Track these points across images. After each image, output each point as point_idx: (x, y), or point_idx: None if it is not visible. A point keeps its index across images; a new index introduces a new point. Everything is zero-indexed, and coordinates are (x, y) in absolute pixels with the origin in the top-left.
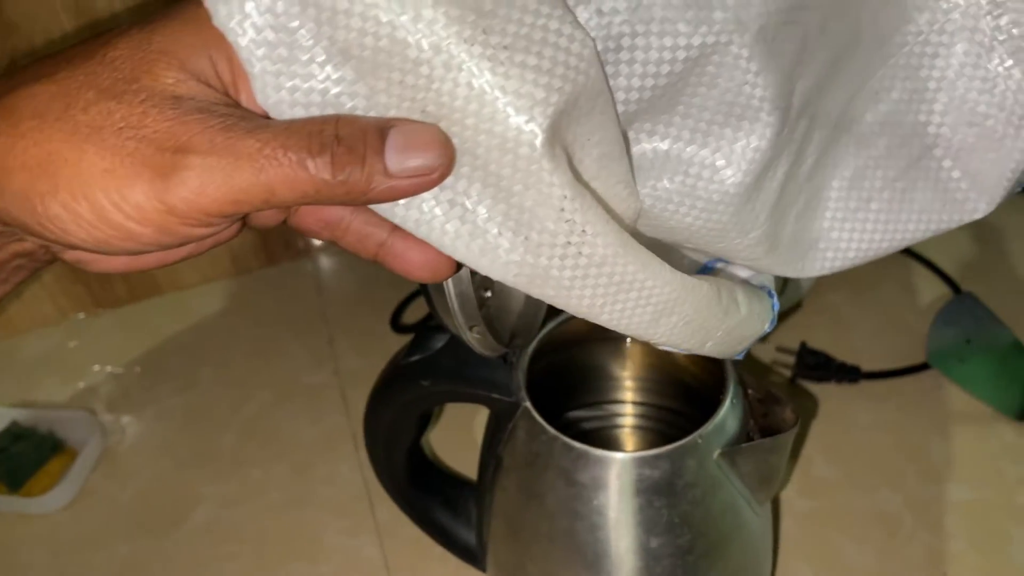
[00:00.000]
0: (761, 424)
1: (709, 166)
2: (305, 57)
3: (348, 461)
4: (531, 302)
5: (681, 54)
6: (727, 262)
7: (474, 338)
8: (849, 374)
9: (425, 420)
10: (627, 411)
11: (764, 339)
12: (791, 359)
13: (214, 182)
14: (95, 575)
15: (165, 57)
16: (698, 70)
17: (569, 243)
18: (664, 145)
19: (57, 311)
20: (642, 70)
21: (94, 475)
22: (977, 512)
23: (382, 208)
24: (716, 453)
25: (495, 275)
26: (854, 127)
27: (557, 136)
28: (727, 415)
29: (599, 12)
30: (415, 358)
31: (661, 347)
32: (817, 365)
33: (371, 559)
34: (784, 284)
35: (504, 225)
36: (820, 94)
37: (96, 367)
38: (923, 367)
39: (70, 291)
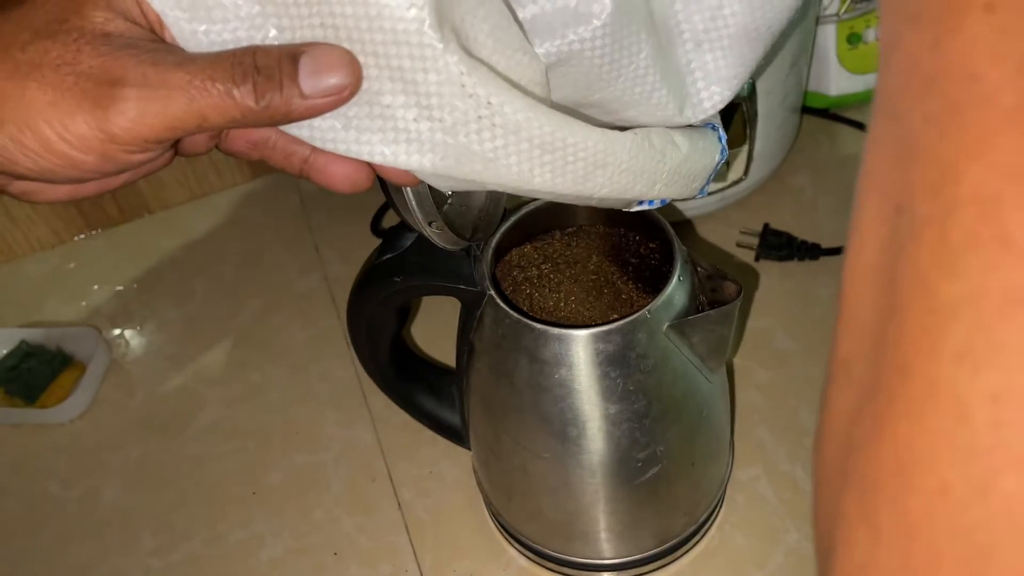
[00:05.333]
0: (710, 298)
1: (577, 14)
2: (210, 1)
3: (341, 359)
4: (491, 197)
5: None
6: None
7: (434, 233)
8: (810, 251)
9: (403, 314)
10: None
11: (716, 192)
12: (755, 240)
13: (151, 111)
14: (113, 475)
15: None
16: None
17: (480, 116)
18: (530, 11)
19: (53, 235)
20: None
21: (103, 386)
22: None
23: (314, 137)
24: (665, 326)
25: (426, 166)
26: None
27: (444, 19)
28: (674, 291)
29: None
30: (386, 257)
31: (608, 203)
32: (779, 245)
33: (367, 445)
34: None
35: (420, 114)
36: None
37: (96, 286)
38: None
39: (63, 215)
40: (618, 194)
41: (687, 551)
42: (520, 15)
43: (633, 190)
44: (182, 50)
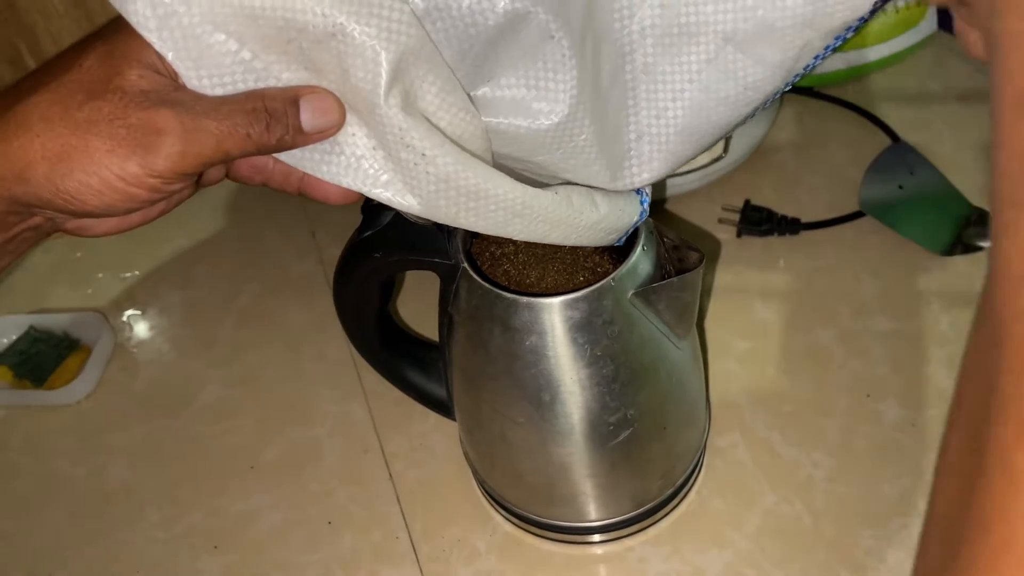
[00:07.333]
0: (677, 268)
1: (529, 109)
2: (211, 52)
3: (336, 340)
4: None
5: (491, 18)
6: None
7: None
8: (790, 226)
9: (387, 289)
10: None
11: (651, 213)
12: (736, 216)
13: (190, 152)
14: (118, 454)
15: (127, 61)
16: (509, 29)
17: (416, 164)
18: (491, 92)
19: None
20: (462, 31)
21: (109, 369)
22: (902, 340)
23: (306, 165)
24: (630, 293)
25: (382, 192)
26: (648, 32)
27: (396, 81)
28: (639, 260)
29: None
30: (366, 234)
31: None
32: (760, 220)
33: (360, 420)
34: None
35: (376, 149)
36: (592, 16)
37: (100, 273)
38: (859, 215)
39: None
40: (537, 239)
41: (666, 514)
42: (481, 91)
43: (550, 237)
44: (204, 97)
